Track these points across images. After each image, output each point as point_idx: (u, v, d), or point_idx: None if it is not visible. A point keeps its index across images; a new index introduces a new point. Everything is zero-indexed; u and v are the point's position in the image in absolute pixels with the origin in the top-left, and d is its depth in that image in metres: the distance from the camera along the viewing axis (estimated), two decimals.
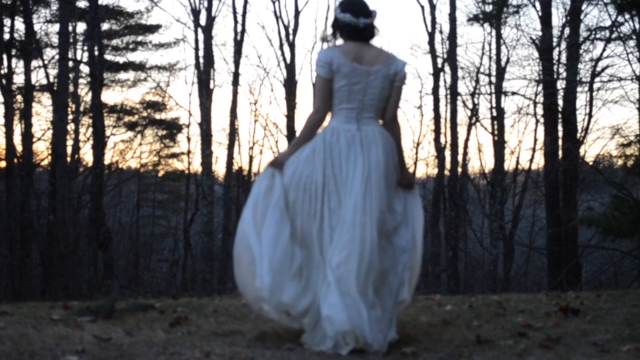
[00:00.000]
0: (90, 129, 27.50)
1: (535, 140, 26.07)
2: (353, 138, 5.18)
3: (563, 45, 22.09)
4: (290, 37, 25.79)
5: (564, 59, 21.98)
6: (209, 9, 24.01)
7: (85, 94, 29.15)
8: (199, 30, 24.56)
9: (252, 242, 5.12)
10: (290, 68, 25.67)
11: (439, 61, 25.44)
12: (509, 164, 26.68)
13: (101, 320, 5.76)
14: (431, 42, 25.43)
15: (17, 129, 26.38)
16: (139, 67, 33.40)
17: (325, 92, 5.23)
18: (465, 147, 26.50)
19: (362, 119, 5.24)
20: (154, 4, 32.79)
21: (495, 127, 25.01)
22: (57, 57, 24.51)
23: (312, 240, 5.13)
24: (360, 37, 5.31)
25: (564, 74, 21.57)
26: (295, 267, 5.07)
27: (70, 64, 25.48)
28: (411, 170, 28.59)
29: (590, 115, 22.44)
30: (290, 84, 25.63)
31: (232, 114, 25.40)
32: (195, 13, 24.48)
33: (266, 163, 5.44)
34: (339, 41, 5.44)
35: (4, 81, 25.47)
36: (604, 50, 21.45)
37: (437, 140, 25.10)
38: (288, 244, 5.10)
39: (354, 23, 5.28)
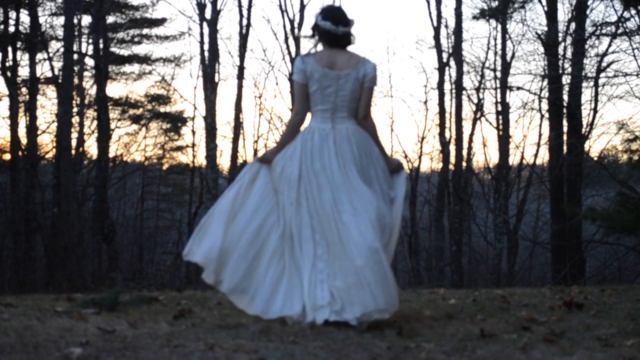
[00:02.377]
0: (95, 122, 27.58)
1: (540, 135, 26.12)
2: (327, 136, 5.70)
3: (569, 40, 22.06)
4: (296, 30, 25.78)
5: (569, 54, 21.97)
6: (214, 3, 24.01)
7: (90, 87, 29.18)
8: (204, 23, 24.54)
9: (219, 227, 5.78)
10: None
11: (445, 56, 25.44)
12: (513, 159, 26.71)
13: (105, 313, 5.77)
14: (437, 37, 25.42)
15: (22, 121, 26.39)
16: (144, 60, 33.41)
17: (301, 95, 5.79)
18: (470, 141, 26.49)
19: (337, 119, 5.76)
20: None
21: (500, 121, 25.02)
22: (62, 49, 24.55)
23: (293, 227, 5.60)
24: (338, 44, 5.81)
25: (570, 69, 21.56)
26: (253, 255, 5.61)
27: (75, 56, 25.49)
28: (416, 164, 28.69)
29: (595, 110, 22.44)
30: None
31: (237, 107, 25.40)
32: (201, 6, 24.46)
33: (254, 159, 6.00)
34: (319, 45, 5.94)
35: (9, 73, 25.47)
36: (609, 45, 21.41)
37: (441, 134, 25.09)
38: (254, 233, 5.65)
39: (334, 31, 5.76)
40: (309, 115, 5.92)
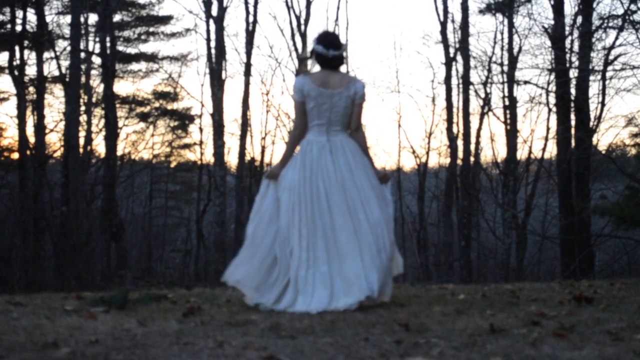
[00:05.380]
0: (103, 120, 27.59)
1: (548, 129, 26.08)
2: (323, 147, 6.43)
3: (575, 33, 22.03)
4: (302, 27, 25.77)
5: (576, 47, 21.93)
6: (220, 0, 23.99)
7: (97, 85, 29.23)
8: (211, 20, 24.54)
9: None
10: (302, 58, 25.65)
11: (451, 50, 25.40)
12: (521, 153, 26.68)
13: (114, 311, 5.78)
14: (443, 32, 25.41)
15: (30, 120, 26.47)
16: (151, 58, 33.43)
17: (300, 112, 6.53)
18: (478, 136, 26.48)
19: (332, 132, 6.49)
20: None
21: (508, 116, 24.98)
22: (69, 48, 24.57)
23: (286, 231, 6.33)
24: (329, 66, 6.54)
25: (577, 63, 21.53)
26: (268, 265, 6.36)
27: (82, 55, 25.51)
28: (423, 159, 28.70)
29: (602, 103, 22.40)
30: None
31: (244, 104, 25.41)
32: (207, 4, 24.46)
33: (264, 176, 6.74)
34: (317, 66, 6.64)
35: (16, 72, 25.53)
36: (616, 38, 21.36)
37: (449, 129, 25.07)
38: (268, 245, 6.40)
39: (324, 54, 6.50)
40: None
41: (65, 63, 26.58)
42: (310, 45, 6.70)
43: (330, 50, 6.48)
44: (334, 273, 6.15)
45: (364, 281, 6.05)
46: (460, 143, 24.94)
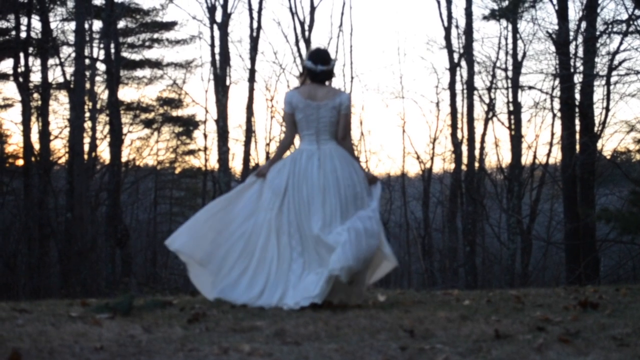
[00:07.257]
0: (107, 127, 27.59)
1: (553, 134, 26.04)
2: (312, 155, 6.85)
3: (580, 39, 22.03)
4: (306, 33, 25.79)
5: (580, 52, 21.92)
6: (224, 6, 24.02)
7: (102, 92, 29.22)
8: (215, 27, 24.57)
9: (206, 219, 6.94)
10: None
11: (456, 56, 25.42)
12: (526, 159, 26.63)
13: (119, 317, 5.78)
14: (447, 37, 25.42)
15: (35, 127, 26.50)
16: (155, 64, 33.43)
17: (290, 122, 7.05)
18: (482, 141, 26.48)
19: (321, 141, 6.92)
20: (169, 1, 32.80)
21: (512, 121, 24.97)
22: (73, 55, 24.58)
23: (271, 231, 6.72)
24: (316, 80, 7.00)
25: (581, 68, 21.49)
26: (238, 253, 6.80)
27: (87, 61, 25.53)
28: (428, 165, 28.69)
29: (607, 109, 22.36)
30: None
31: (249, 110, 25.41)
32: (211, 10, 24.49)
33: (252, 173, 7.16)
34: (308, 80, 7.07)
35: (21, 79, 25.57)
36: (620, 43, 21.35)
37: (454, 135, 25.07)
38: (238, 239, 6.82)
39: (313, 69, 6.95)
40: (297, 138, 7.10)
41: (69, 69, 26.63)
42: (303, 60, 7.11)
43: (318, 65, 6.92)
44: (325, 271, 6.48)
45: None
46: (464, 148, 24.95)
